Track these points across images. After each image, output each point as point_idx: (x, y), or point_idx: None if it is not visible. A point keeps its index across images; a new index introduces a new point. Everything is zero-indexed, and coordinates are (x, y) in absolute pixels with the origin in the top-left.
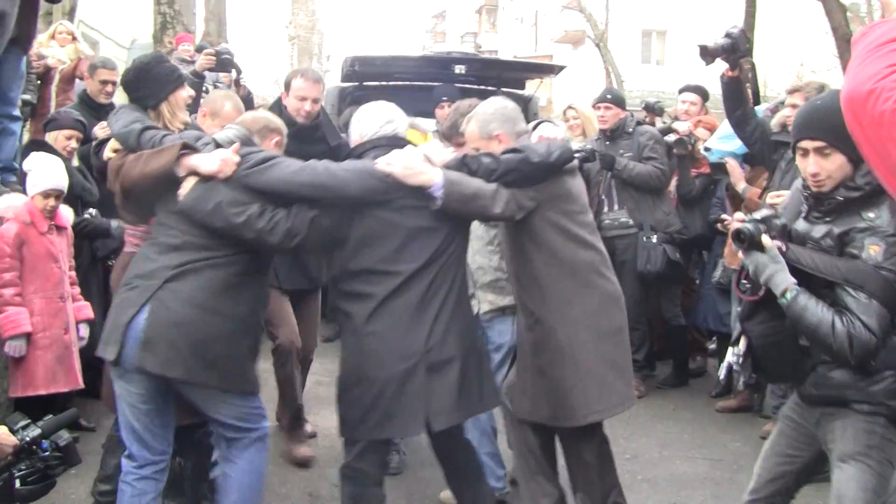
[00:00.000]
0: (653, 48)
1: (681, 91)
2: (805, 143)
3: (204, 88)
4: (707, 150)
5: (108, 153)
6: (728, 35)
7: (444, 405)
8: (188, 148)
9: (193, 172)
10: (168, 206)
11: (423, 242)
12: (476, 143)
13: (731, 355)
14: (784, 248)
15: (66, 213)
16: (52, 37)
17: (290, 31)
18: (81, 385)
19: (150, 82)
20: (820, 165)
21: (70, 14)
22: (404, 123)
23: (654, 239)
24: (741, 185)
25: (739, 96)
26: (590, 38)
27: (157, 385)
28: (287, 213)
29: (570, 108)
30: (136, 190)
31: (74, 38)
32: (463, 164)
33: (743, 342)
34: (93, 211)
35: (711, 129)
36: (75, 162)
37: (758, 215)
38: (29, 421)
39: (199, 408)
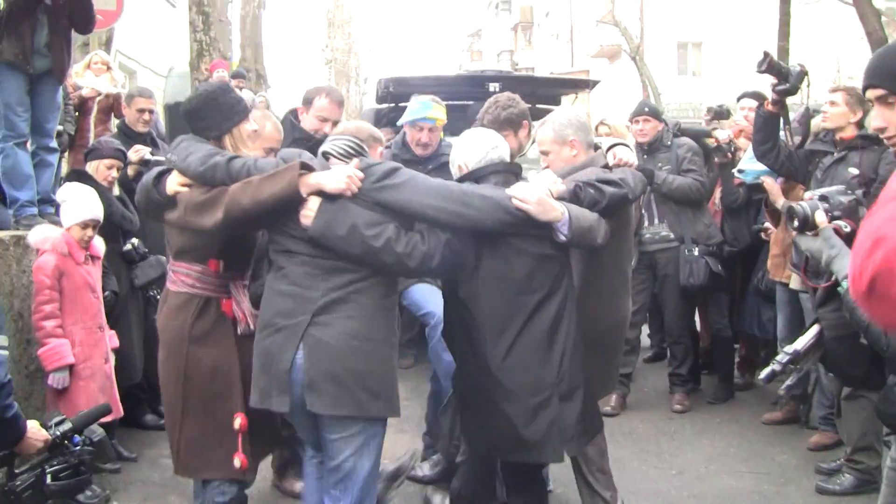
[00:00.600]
0: (689, 60)
1: (739, 98)
2: (868, 93)
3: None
4: (741, 171)
5: (175, 187)
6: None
7: (574, 432)
8: (305, 167)
9: (317, 192)
10: (288, 231)
11: (547, 270)
12: (548, 147)
13: (782, 356)
14: (848, 229)
15: (99, 243)
16: (88, 67)
17: (326, 54)
18: (122, 413)
19: (215, 113)
20: (884, 117)
21: (107, 44)
22: (507, 149)
23: (696, 252)
24: (780, 202)
25: (773, 132)
26: (625, 52)
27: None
28: (422, 236)
29: (601, 123)
30: (246, 219)
31: (109, 68)
32: (575, 195)
33: (814, 330)
34: (135, 241)
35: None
36: (115, 191)
37: (824, 190)
38: (63, 417)
39: (334, 447)
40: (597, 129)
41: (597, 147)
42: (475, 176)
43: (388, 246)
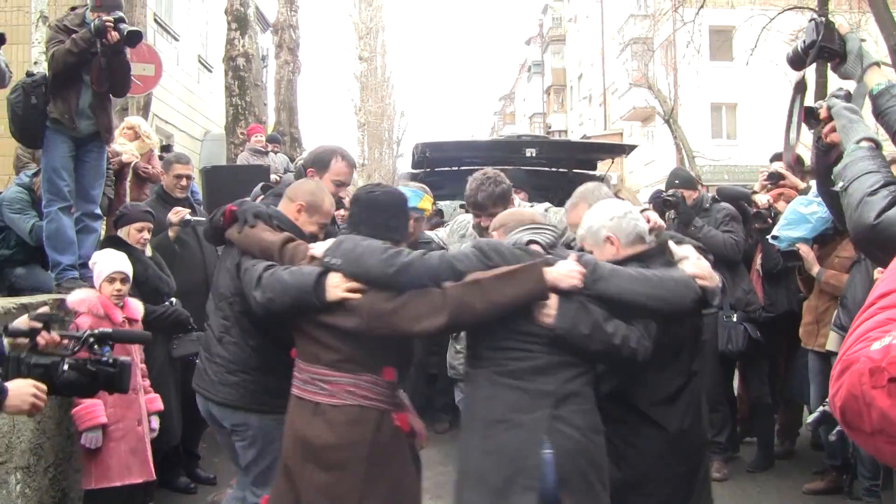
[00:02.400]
0: (723, 122)
1: (772, 159)
2: None
3: (278, 178)
4: (775, 238)
5: (341, 294)
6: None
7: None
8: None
9: (553, 289)
10: (514, 327)
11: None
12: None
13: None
14: None
15: (137, 306)
16: (121, 133)
17: (360, 117)
18: (154, 476)
19: (404, 219)
20: None
21: (145, 108)
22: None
23: (735, 318)
24: (815, 269)
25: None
26: (659, 114)
27: None
28: (642, 328)
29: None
30: (476, 322)
31: (137, 134)
32: None
33: None
34: (173, 300)
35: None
36: (148, 252)
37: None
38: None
39: None
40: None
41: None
42: (642, 258)
43: (625, 343)
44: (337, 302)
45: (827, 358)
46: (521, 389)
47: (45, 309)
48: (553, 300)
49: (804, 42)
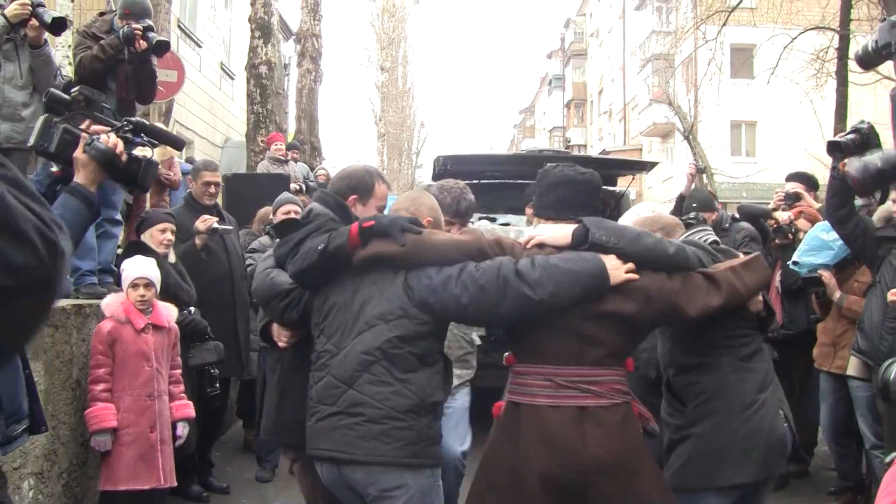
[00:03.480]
0: (743, 139)
1: (787, 179)
2: None
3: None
4: (795, 264)
5: (624, 275)
6: (857, 130)
7: None
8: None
9: None
10: (741, 314)
11: None
12: None
13: None
14: None
15: (167, 312)
16: None
17: (380, 128)
18: (168, 483)
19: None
20: None
21: (166, 115)
22: None
23: None
24: (837, 295)
25: (849, 194)
26: (679, 131)
27: None
28: None
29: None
30: (740, 304)
31: None
32: None
33: None
34: (192, 309)
35: (812, 221)
36: (172, 258)
37: None
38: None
39: None
40: None
41: None
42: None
43: None
44: (615, 286)
45: (841, 380)
46: (754, 371)
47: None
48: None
49: (876, 42)
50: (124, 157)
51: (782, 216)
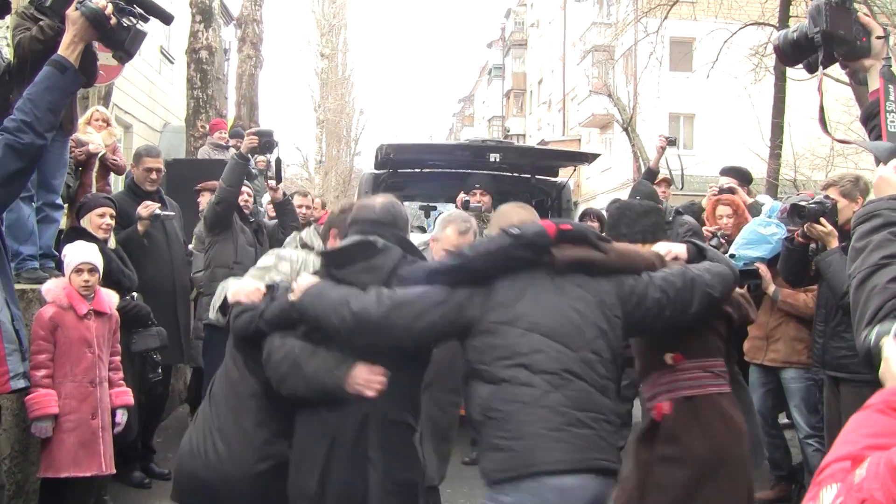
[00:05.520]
0: (681, 131)
1: (722, 173)
2: None
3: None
4: (732, 256)
5: None
6: (820, 203)
7: None
8: None
9: None
10: None
11: None
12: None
13: None
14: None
15: (109, 299)
16: (89, 122)
17: (319, 114)
18: (107, 470)
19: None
20: None
21: (105, 98)
22: None
23: None
24: (771, 288)
25: (804, 264)
26: (617, 122)
27: None
28: None
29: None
30: None
31: (108, 124)
32: None
33: None
34: (135, 294)
35: (731, 205)
36: (112, 243)
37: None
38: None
39: None
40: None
41: None
42: None
43: None
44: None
45: (772, 372)
46: None
47: None
48: None
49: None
50: (113, 21)
51: (710, 228)
